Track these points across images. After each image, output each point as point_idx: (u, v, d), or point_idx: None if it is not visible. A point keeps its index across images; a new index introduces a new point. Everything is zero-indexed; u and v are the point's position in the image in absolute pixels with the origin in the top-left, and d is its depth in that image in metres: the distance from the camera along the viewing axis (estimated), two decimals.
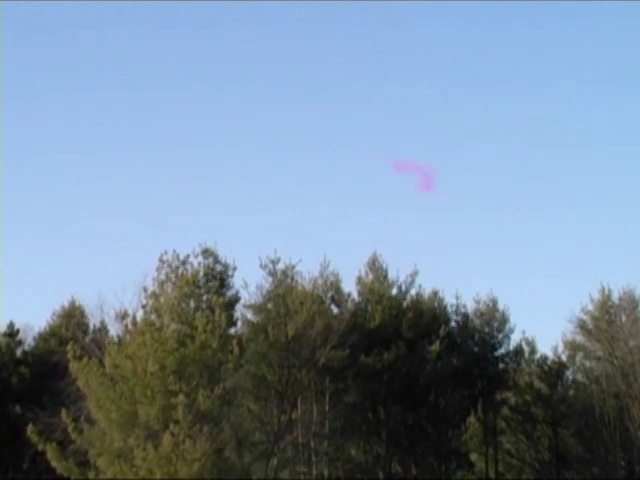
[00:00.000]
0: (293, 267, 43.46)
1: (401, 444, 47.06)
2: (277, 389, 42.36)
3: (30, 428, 31.37)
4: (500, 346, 50.97)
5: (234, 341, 32.50)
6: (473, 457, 53.38)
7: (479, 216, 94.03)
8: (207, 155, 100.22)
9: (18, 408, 43.43)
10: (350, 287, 47.85)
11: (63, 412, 31.10)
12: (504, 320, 50.98)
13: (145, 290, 36.01)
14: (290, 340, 41.38)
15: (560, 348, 52.55)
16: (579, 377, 53.24)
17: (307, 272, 44.82)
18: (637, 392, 48.55)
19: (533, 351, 53.02)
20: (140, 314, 34.60)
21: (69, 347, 31.86)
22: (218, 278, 41.51)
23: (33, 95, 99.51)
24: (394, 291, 47.77)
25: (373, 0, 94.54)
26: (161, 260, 38.13)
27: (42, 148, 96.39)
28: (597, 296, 50.83)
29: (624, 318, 50.36)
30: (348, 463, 46.45)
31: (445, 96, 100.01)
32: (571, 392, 52.82)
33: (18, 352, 50.33)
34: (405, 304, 47.69)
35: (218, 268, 41.81)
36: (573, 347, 52.43)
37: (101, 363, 31.62)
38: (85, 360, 31.20)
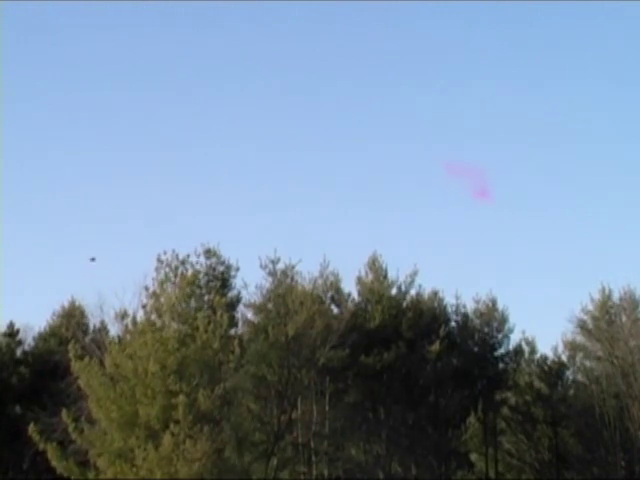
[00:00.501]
0: (293, 267, 43.53)
1: (401, 444, 47.02)
2: (277, 389, 42.35)
3: (31, 427, 31.37)
4: (500, 346, 51.00)
5: (235, 341, 32.50)
6: (473, 457, 53.41)
7: (479, 216, 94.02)
8: (207, 155, 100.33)
9: (18, 408, 43.34)
10: (350, 287, 47.93)
11: (64, 412, 31.12)
12: (504, 320, 51.00)
13: (146, 289, 36.04)
14: (290, 340, 41.37)
15: (560, 348, 52.65)
16: (579, 377, 53.26)
17: (307, 272, 44.92)
18: (637, 392, 48.57)
19: (533, 351, 53.06)
20: (140, 314, 34.64)
21: (70, 347, 31.89)
22: (220, 278, 41.52)
23: (33, 95, 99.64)
24: (394, 291, 47.75)
25: (373, 0, 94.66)
26: (159, 260, 38.14)
27: (42, 148, 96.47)
28: (597, 296, 50.89)
29: (624, 318, 50.38)
30: (348, 463, 46.44)
31: (445, 96, 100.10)
32: (571, 392, 52.84)
33: (18, 352, 50.31)
34: (405, 304, 47.67)
35: (220, 268, 41.83)
36: (573, 347, 52.45)
37: (101, 363, 31.62)
38: (86, 360, 31.20)
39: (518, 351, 51.84)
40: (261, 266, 43.20)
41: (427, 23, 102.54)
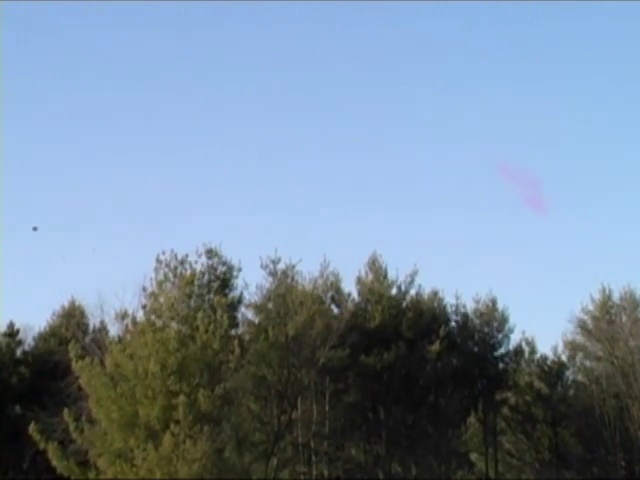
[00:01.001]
0: (293, 267, 43.56)
1: (401, 444, 47.01)
2: (277, 389, 42.35)
3: (32, 427, 31.34)
4: (500, 346, 51.00)
5: (235, 341, 32.49)
6: (473, 457, 53.40)
7: (479, 216, 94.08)
8: (207, 155, 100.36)
9: (18, 408, 43.34)
10: (350, 287, 47.94)
11: (65, 411, 31.11)
12: (504, 320, 50.99)
13: (144, 290, 36.04)
14: (290, 340, 41.37)
15: (560, 348, 52.65)
16: (579, 377, 53.26)
17: (307, 272, 44.96)
18: (637, 392, 48.57)
19: (533, 351, 53.04)
20: (140, 314, 34.64)
21: (70, 347, 31.86)
22: (221, 278, 41.49)
23: (33, 95, 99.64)
24: (394, 291, 47.74)
25: (373, 0, 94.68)
26: (158, 260, 38.11)
27: (42, 148, 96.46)
28: (597, 296, 50.91)
29: (624, 318, 50.38)
30: (348, 463, 46.46)
31: (445, 96, 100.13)
32: (571, 392, 52.83)
33: (18, 352, 50.28)
34: (405, 304, 47.66)
35: (222, 269, 41.79)
36: (573, 347, 52.44)
37: (102, 363, 31.61)
38: (87, 360, 31.19)
39: (518, 351, 51.83)
40: (262, 266, 43.29)
41: (427, 23, 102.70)
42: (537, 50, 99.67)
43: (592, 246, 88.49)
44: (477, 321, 50.81)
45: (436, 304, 49.59)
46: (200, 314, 32.91)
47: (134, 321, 33.42)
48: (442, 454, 47.31)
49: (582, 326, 51.15)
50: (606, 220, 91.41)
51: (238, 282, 42.62)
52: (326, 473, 44.66)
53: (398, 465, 47.82)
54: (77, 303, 51.53)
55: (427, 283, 49.32)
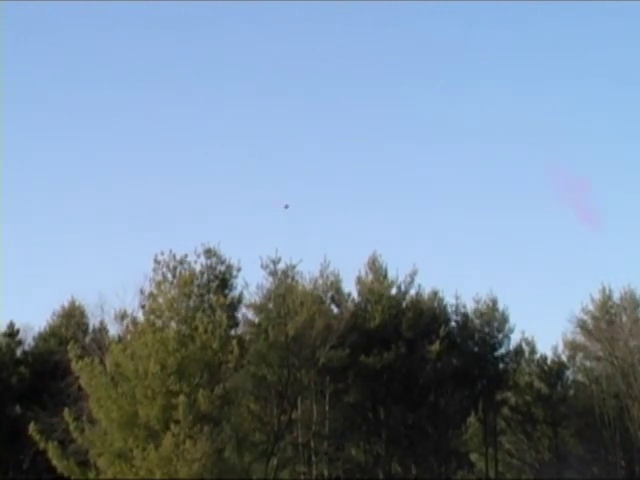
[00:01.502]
0: (294, 267, 43.53)
1: (401, 444, 47.04)
2: (277, 389, 42.33)
3: (32, 427, 31.34)
4: (500, 346, 50.97)
5: (235, 341, 32.47)
6: (473, 457, 53.40)
7: (479, 216, 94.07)
8: (207, 155, 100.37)
9: (18, 408, 43.34)
10: (350, 287, 47.95)
11: (65, 411, 31.10)
12: (504, 320, 50.96)
13: (141, 292, 36.03)
14: (290, 340, 41.35)
15: (560, 348, 52.72)
16: (579, 377, 53.30)
17: (307, 272, 44.98)
18: (637, 392, 48.59)
19: (533, 351, 53.08)
20: (140, 314, 34.63)
21: (70, 347, 31.83)
22: (220, 278, 41.45)
23: (33, 95, 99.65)
24: (394, 291, 47.73)
25: (373, 0, 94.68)
26: (156, 260, 38.07)
27: (42, 148, 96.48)
28: (597, 296, 50.96)
29: (624, 318, 50.40)
30: (348, 463, 46.46)
31: (445, 95, 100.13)
32: (571, 392, 52.86)
33: (18, 352, 50.27)
34: (405, 304, 47.65)
35: (221, 268, 41.75)
36: (573, 347, 52.47)
37: (102, 363, 31.61)
38: (87, 360, 31.19)
39: (518, 351, 51.83)
40: (262, 266, 43.26)
41: (427, 23, 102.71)
42: (537, 50, 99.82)
43: (592, 246, 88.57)
44: (477, 321, 50.80)
45: (436, 304, 49.58)
46: (199, 314, 32.91)
47: (134, 321, 33.44)
48: (442, 454, 47.34)
49: (582, 326, 51.17)
50: (606, 220, 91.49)
51: (238, 282, 42.64)
52: (326, 473, 44.65)
53: (398, 465, 47.86)
54: (77, 303, 51.53)
55: (427, 283, 49.47)
